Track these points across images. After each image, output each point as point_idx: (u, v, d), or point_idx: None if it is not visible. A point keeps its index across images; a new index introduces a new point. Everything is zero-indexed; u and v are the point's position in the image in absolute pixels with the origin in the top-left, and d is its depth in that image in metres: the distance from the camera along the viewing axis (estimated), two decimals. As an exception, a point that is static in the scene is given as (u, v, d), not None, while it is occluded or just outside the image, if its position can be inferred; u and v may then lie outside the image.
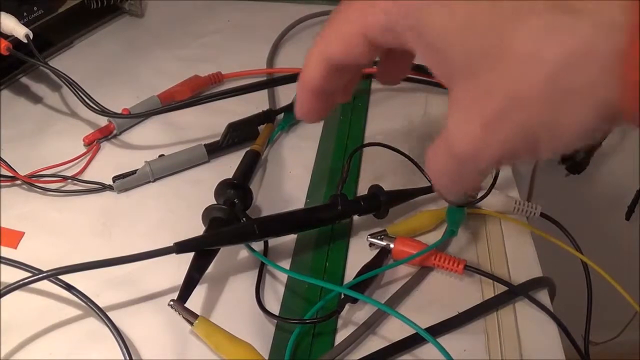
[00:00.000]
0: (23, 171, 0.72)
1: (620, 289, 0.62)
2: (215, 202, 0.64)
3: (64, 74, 0.76)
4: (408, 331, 0.56)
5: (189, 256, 0.58)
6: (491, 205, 0.67)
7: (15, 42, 0.78)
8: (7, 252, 0.64)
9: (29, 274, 0.55)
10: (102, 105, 0.75)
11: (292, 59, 0.91)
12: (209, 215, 0.62)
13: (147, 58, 0.94)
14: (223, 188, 0.65)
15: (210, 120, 0.79)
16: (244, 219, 0.62)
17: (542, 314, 0.59)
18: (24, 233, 0.67)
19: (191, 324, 0.54)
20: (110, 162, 0.75)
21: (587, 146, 1.42)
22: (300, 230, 0.65)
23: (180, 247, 0.56)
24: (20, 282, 0.54)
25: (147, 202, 0.70)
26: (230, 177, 0.67)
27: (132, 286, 0.61)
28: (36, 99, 0.86)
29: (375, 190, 0.65)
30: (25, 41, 0.78)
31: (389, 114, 0.81)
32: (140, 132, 0.80)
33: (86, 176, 0.73)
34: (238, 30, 0.99)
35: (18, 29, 0.78)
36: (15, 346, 0.56)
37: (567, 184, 1.50)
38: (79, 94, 0.75)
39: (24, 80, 0.89)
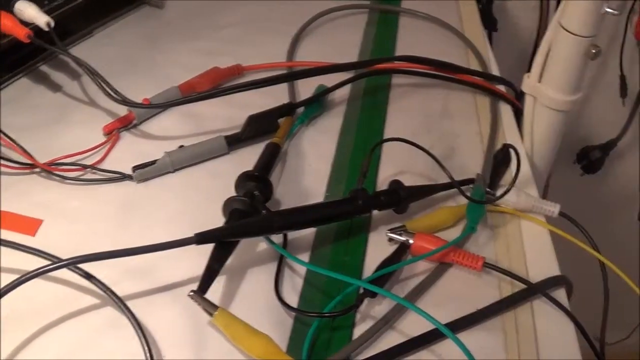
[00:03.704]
0: (42, 159, 0.72)
1: (638, 289, 0.62)
2: (235, 194, 0.64)
3: (85, 62, 0.76)
4: (426, 327, 0.56)
5: (208, 247, 0.58)
6: (510, 203, 0.67)
7: (35, 30, 0.78)
8: (26, 240, 0.63)
9: (48, 262, 0.55)
10: (122, 95, 0.75)
11: (311, 53, 0.91)
12: (229, 207, 0.62)
13: (166, 49, 0.93)
14: (244, 180, 0.65)
15: (229, 112, 0.79)
16: (264, 211, 0.62)
17: (559, 313, 0.59)
18: (42, 221, 0.67)
19: (210, 314, 0.54)
20: (129, 151, 0.75)
21: (603, 146, 1.43)
22: (320, 224, 0.65)
23: (200, 238, 0.56)
24: (40, 270, 0.54)
25: (166, 192, 0.70)
26: (250, 169, 0.67)
27: (150, 276, 0.61)
28: (56, 88, 0.86)
29: (396, 185, 0.65)
30: (46, 29, 0.78)
31: (409, 110, 0.81)
32: (159, 123, 0.80)
33: (105, 165, 0.73)
34: (256, 23, 0.99)
35: (39, 17, 0.78)
36: (34, 333, 0.56)
37: (582, 184, 1.50)
38: (100, 82, 0.76)
39: (44, 68, 0.89)
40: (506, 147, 0.67)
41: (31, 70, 0.88)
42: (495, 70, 0.89)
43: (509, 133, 0.78)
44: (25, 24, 0.78)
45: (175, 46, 0.94)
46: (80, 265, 0.57)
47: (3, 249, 0.61)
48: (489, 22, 1.20)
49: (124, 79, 0.79)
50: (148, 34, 0.97)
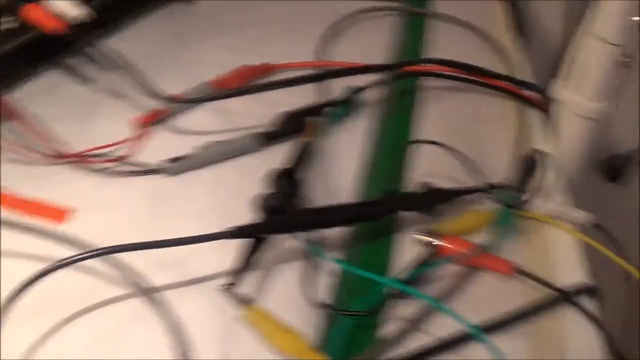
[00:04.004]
0: (74, 150, 0.73)
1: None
2: (267, 191, 0.64)
3: (119, 55, 0.77)
4: (453, 329, 0.56)
5: (237, 242, 0.59)
6: (539, 209, 0.67)
7: (68, 21, 0.79)
8: (55, 228, 0.64)
9: (80, 251, 0.55)
10: (155, 89, 0.76)
11: (340, 54, 0.91)
12: (261, 203, 0.63)
13: (196, 46, 0.94)
14: (275, 177, 0.65)
15: (259, 109, 0.79)
16: (296, 208, 0.62)
17: (587, 322, 0.59)
18: (72, 211, 0.68)
19: (241, 309, 0.54)
20: (160, 145, 0.76)
21: (627, 154, 1.42)
22: (350, 224, 0.65)
23: (239, 232, 0.57)
24: (73, 258, 0.54)
25: (196, 187, 0.71)
26: (281, 166, 0.67)
27: (180, 269, 0.61)
28: (87, 80, 0.87)
29: (425, 187, 0.66)
30: (79, 22, 0.78)
31: (438, 113, 0.81)
32: (190, 118, 0.80)
33: (136, 158, 0.74)
34: (283, 23, 0.99)
35: (72, 10, 0.79)
36: (61, 321, 0.57)
37: (607, 192, 1.50)
38: (133, 76, 0.76)
39: (75, 60, 0.90)
40: (534, 153, 0.68)
41: (63, 62, 0.89)
42: (524, 75, 0.89)
43: (537, 139, 0.78)
44: (59, 15, 0.79)
45: (203, 43, 0.95)
46: (111, 256, 0.58)
47: (32, 236, 0.61)
48: (519, 26, 1.20)
49: (153, 74, 0.80)
50: (177, 30, 0.98)
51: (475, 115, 0.81)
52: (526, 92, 0.85)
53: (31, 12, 0.79)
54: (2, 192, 0.70)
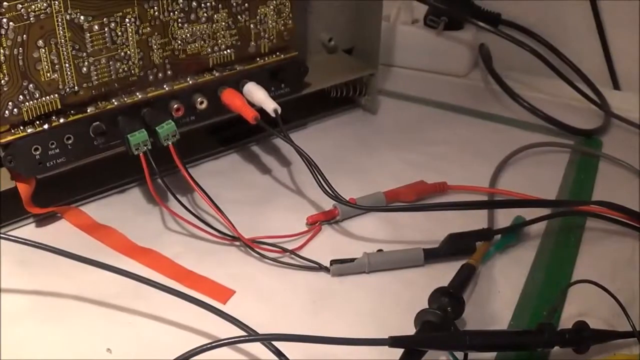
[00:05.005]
0: (245, 234, 0.76)
1: None
2: (428, 307, 0.66)
3: (304, 152, 0.79)
4: None
5: (388, 350, 0.58)
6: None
7: (260, 112, 0.83)
8: (216, 304, 0.66)
9: (235, 331, 0.59)
10: (335, 190, 0.78)
11: (512, 183, 0.92)
12: (422, 318, 0.64)
13: (374, 154, 0.97)
14: (439, 295, 0.66)
15: (428, 225, 0.81)
16: (452, 328, 0.63)
17: None
18: (234, 292, 0.71)
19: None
20: (328, 245, 0.78)
21: None
22: (504, 350, 0.65)
23: (394, 342, 0.57)
24: (237, 339, 0.56)
25: (357, 291, 0.72)
26: (443, 285, 0.68)
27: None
28: (265, 169, 0.91)
29: (580, 325, 0.66)
30: (273, 115, 0.82)
31: (599, 254, 0.80)
32: (360, 223, 0.82)
33: (304, 253, 0.76)
34: (464, 145, 1.01)
35: (267, 102, 0.83)
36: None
37: None
38: (315, 174, 0.79)
39: (256, 148, 0.94)
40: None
41: (245, 148, 0.93)
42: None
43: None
44: (253, 105, 0.84)
45: (383, 153, 0.97)
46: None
47: (195, 310, 0.63)
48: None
49: (329, 175, 0.81)
50: (359, 136, 1.01)
51: (634, 261, 0.80)
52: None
53: (229, 97, 0.84)
54: (169, 261, 0.75)
